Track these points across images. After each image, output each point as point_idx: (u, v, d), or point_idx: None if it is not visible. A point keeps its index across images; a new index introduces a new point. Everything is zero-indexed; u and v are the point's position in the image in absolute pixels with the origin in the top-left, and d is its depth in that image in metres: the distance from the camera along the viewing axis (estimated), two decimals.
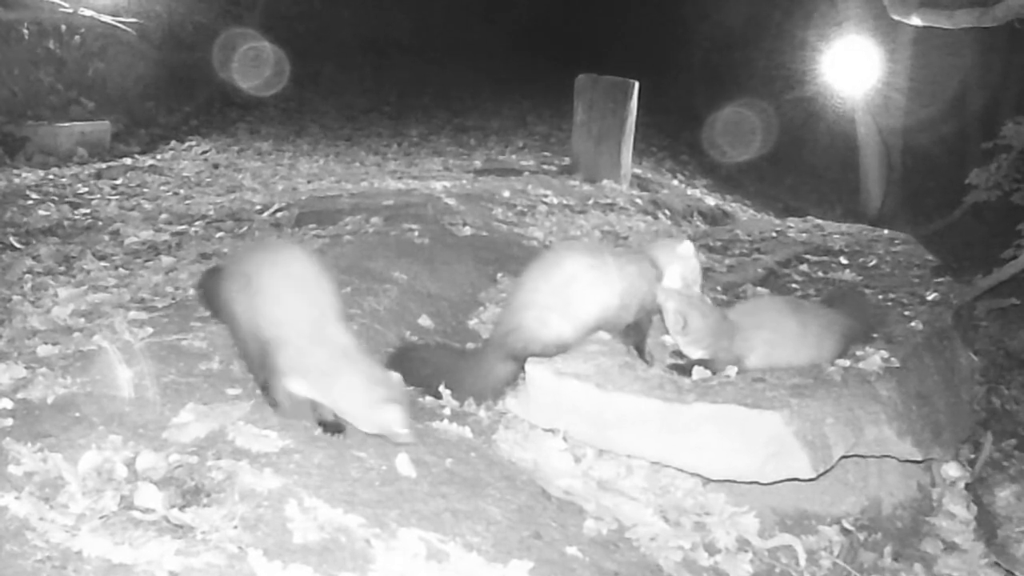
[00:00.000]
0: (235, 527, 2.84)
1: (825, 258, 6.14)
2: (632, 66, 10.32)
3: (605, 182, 9.33)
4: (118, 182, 8.79)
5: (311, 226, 6.50)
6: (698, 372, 3.99)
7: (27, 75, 10.86)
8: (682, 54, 16.46)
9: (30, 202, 7.66)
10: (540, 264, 4.15)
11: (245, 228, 6.68)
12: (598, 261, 4.05)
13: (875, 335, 4.57)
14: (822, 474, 3.79)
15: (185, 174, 9.41)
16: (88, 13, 11.04)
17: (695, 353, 4.02)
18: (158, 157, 10.30)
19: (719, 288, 5.32)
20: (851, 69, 10.96)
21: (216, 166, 9.94)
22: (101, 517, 2.78)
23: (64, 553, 2.60)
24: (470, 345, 4.63)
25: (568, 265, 4.04)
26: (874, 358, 4.27)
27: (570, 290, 3.99)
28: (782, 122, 13.40)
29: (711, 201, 10.68)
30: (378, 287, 5.02)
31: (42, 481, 2.94)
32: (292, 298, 3.47)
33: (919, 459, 4.17)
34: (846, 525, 4.04)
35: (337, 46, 16.16)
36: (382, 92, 15.59)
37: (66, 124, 10.26)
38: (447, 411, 4.00)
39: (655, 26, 17.16)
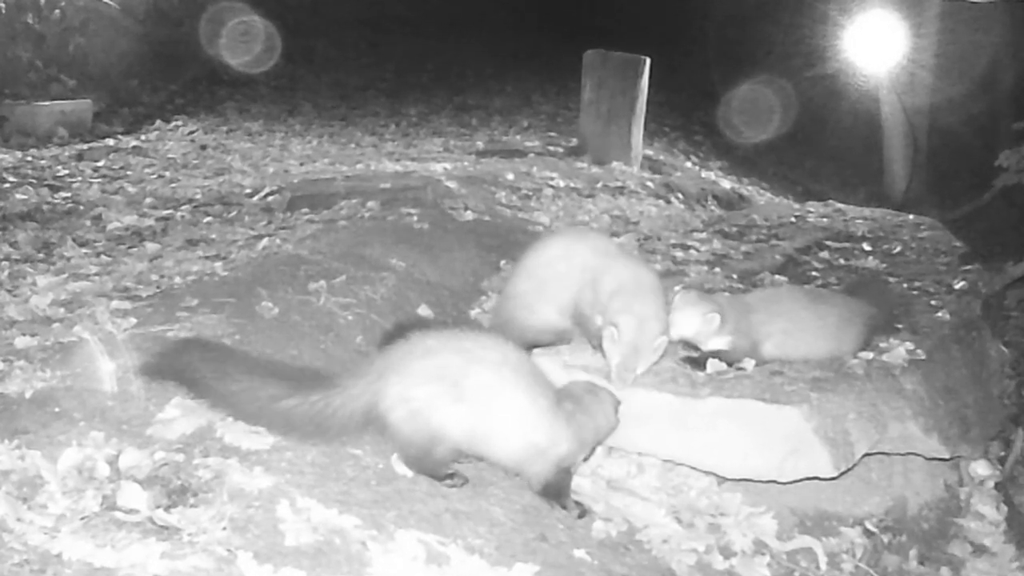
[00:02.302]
0: (224, 528, 2.83)
1: (847, 244, 6.13)
2: (643, 41, 10.30)
3: (615, 164, 9.31)
4: (100, 164, 8.78)
5: (304, 211, 6.49)
6: (712, 365, 3.98)
7: (4, 51, 10.83)
8: (696, 28, 16.37)
9: (7, 185, 7.64)
10: (527, 252, 4.26)
11: (234, 213, 6.66)
12: (573, 245, 4.12)
13: (899, 326, 4.56)
14: (844, 473, 3.78)
15: (171, 156, 9.38)
16: None
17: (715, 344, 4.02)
18: (142, 138, 10.27)
19: (735, 276, 5.31)
20: (875, 45, 10.92)
21: (203, 147, 9.92)
22: (82, 518, 2.78)
23: (43, 556, 2.60)
24: None
25: (547, 248, 4.17)
26: (898, 350, 4.26)
27: (545, 272, 4.09)
28: (802, 101, 13.34)
29: (726, 184, 10.66)
30: (375, 275, 5.01)
31: (20, 480, 2.94)
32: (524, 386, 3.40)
33: (946, 457, 4.16)
34: (869, 526, 4.04)
35: (331, 20, 16.13)
36: (379, 69, 15.54)
37: (45, 103, 10.23)
38: None
39: None
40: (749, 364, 4.01)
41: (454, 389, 3.29)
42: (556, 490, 3.46)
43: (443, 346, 3.40)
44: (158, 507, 2.87)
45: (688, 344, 4.12)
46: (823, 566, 3.72)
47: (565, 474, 3.47)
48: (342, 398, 3.35)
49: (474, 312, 5.07)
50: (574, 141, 10.25)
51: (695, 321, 3.94)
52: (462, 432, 3.31)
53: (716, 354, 4.01)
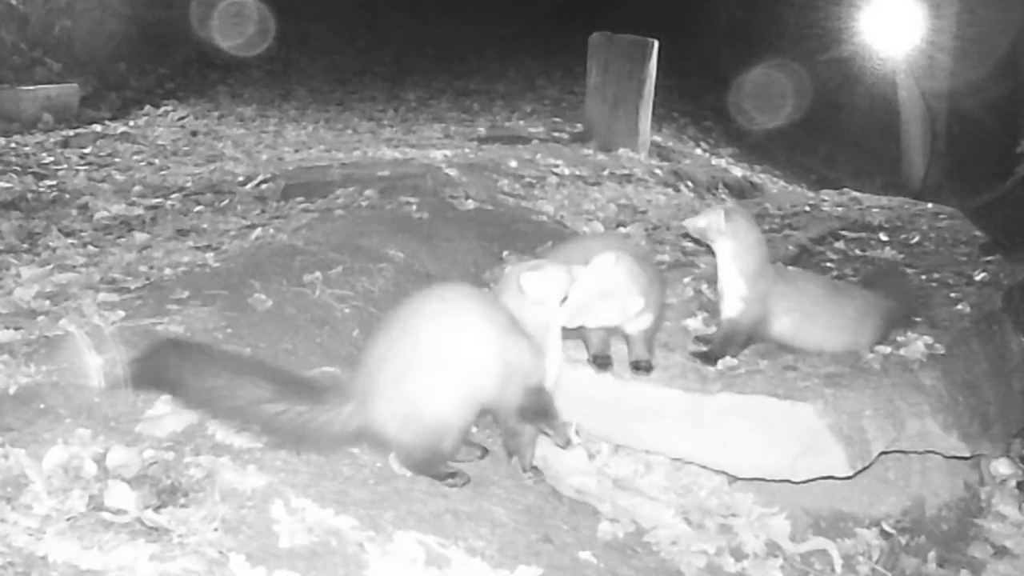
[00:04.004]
0: (215, 530, 2.82)
1: (863, 234, 6.11)
2: (651, 23, 10.27)
3: (621, 151, 9.30)
4: (87, 151, 8.78)
5: (298, 199, 6.48)
6: (723, 361, 3.97)
7: None
8: (706, 10, 16.36)
9: None
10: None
11: (226, 201, 6.66)
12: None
13: (918, 319, 4.55)
14: (860, 471, 3.77)
15: (160, 142, 9.38)
16: None
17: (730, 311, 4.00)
18: (131, 123, 10.28)
19: None
20: (892, 27, 10.90)
21: (194, 133, 9.93)
22: (68, 519, 2.77)
23: (28, 558, 2.59)
24: None
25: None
26: (917, 344, 4.25)
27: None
28: (816, 85, 13.31)
29: (738, 172, 10.65)
30: (372, 266, 5.01)
31: (3, 479, 2.93)
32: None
33: (966, 455, 4.14)
34: (886, 527, 4.03)
35: (327, 1, 16.10)
36: (377, 52, 15.54)
37: (30, 87, 10.23)
38: None
39: None
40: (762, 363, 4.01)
41: (425, 376, 3.25)
42: (532, 413, 3.45)
43: (394, 342, 3.34)
44: (147, 507, 2.86)
45: (699, 339, 4.13)
46: (838, 568, 3.72)
47: (537, 395, 3.43)
48: (328, 416, 3.30)
49: None
50: (579, 127, 10.25)
51: (705, 216, 3.93)
52: (455, 405, 3.29)
53: (724, 327, 4.02)
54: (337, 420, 3.31)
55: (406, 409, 3.26)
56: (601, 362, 3.87)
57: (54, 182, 7.48)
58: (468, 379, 3.30)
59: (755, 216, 6.63)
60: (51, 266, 5.11)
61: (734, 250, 3.93)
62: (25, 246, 5.69)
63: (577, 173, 8.16)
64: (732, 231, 3.90)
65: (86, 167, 8.13)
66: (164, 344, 3.64)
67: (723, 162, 11.21)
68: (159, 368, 3.40)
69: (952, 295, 4.93)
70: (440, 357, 3.26)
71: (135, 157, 8.65)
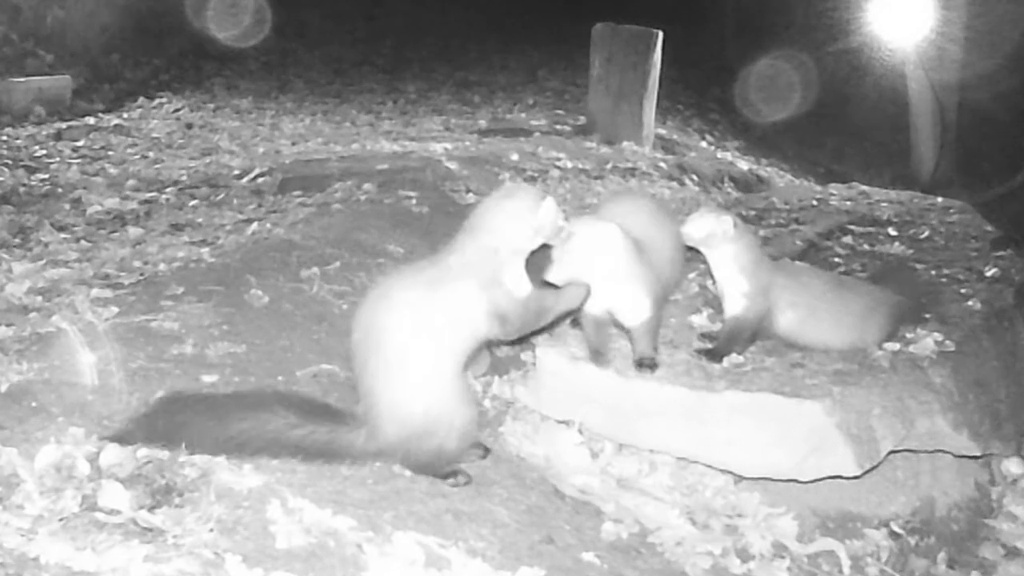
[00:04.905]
0: (211, 530, 2.82)
1: (871, 229, 6.10)
2: (656, 14, 10.26)
3: (625, 144, 9.29)
4: (80, 144, 8.77)
5: (295, 193, 6.47)
6: (729, 358, 3.97)
7: None
8: (711, 0, 16.35)
9: None
10: None
11: (222, 195, 6.66)
12: None
13: (927, 315, 4.54)
14: (868, 471, 3.77)
15: (154, 135, 9.38)
16: None
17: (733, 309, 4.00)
18: (124, 116, 10.26)
19: None
20: (901, 17, 10.89)
21: (189, 126, 9.91)
22: (61, 519, 2.77)
23: (20, 559, 2.59)
24: None
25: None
26: (926, 341, 4.24)
27: None
28: (824, 77, 13.32)
29: (744, 165, 10.63)
30: (371, 262, 5.00)
31: None
32: None
33: (977, 454, 4.15)
34: (895, 528, 4.03)
35: None
36: (375, 43, 15.52)
37: (21, 79, 10.21)
38: None
39: None
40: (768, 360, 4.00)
41: (400, 379, 3.25)
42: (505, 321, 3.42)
43: (367, 358, 3.32)
44: (141, 507, 2.86)
45: (704, 336, 4.13)
46: (846, 570, 3.72)
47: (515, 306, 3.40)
48: (350, 437, 3.32)
49: None
50: (582, 120, 10.23)
51: (708, 222, 3.90)
52: (442, 392, 3.28)
53: (729, 324, 4.01)
54: (357, 440, 3.32)
55: (401, 418, 3.26)
56: (601, 358, 3.87)
57: (46, 176, 7.48)
58: (434, 361, 3.28)
59: (762, 210, 6.67)
60: (43, 261, 5.11)
61: (735, 252, 3.93)
62: (17, 241, 5.69)
63: (580, 166, 8.15)
64: (736, 234, 3.91)
65: (79, 160, 8.12)
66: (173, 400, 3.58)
67: (729, 155, 11.20)
68: (178, 427, 3.36)
69: (962, 291, 4.93)
70: (401, 354, 3.24)
71: (129, 150, 8.64)
